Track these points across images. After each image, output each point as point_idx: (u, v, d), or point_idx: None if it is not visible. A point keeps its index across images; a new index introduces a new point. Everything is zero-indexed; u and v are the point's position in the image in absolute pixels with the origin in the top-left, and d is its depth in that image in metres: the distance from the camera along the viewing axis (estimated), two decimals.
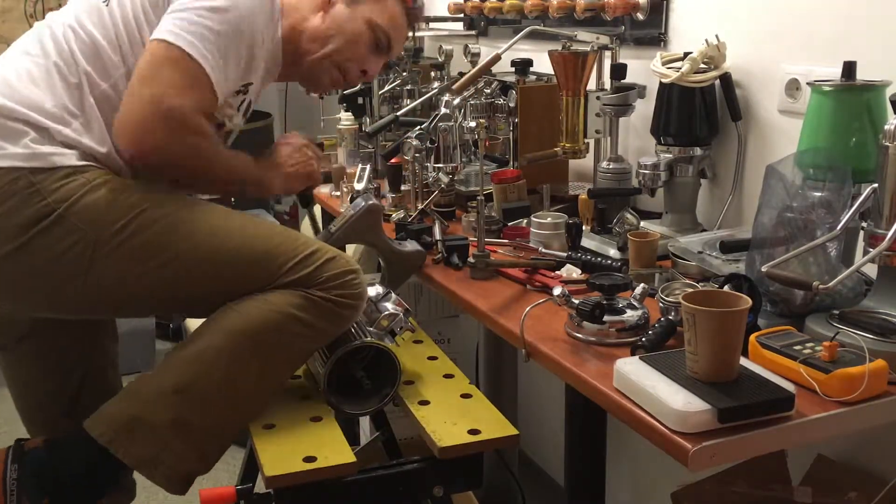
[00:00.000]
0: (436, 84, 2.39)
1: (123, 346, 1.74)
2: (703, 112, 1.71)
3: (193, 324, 2.94)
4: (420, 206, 1.91)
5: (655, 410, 1.04)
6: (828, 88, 1.35)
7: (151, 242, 1.34)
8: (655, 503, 2.09)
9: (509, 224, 1.83)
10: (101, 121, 1.40)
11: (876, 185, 1.22)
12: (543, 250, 1.66)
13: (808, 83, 1.41)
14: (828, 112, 1.35)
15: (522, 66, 2.08)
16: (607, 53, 1.90)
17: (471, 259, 1.59)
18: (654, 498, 2.09)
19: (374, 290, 1.54)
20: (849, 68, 1.34)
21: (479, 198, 1.60)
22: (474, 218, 1.67)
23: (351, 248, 2.65)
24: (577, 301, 1.28)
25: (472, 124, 1.94)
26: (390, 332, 1.49)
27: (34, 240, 1.31)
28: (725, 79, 1.69)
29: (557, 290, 1.29)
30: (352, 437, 2.38)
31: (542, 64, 2.02)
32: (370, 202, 1.59)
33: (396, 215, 1.91)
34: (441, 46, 2.41)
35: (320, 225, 1.74)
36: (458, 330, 2.53)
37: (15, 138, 1.33)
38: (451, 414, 1.40)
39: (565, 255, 1.61)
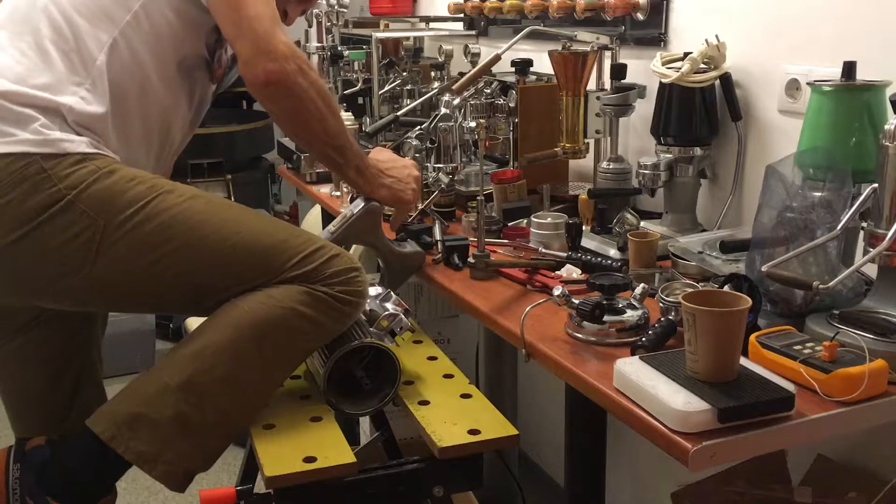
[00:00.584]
0: (436, 84, 2.39)
1: (123, 346, 1.74)
2: (703, 112, 1.71)
3: (193, 323, 2.94)
4: (420, 207, 1.91)
5: (655, 410, 1.04)
6: (828, 88, 1.35)
7: (158, 232, 1.34)
8: (655, 503, 2.09)
9: (509, 224, 1.83)
10: (107, 77, 1.39)
11: (876, 185, 1.22)
12: (543, 250, 1.66)
13: (808, 83, 1.41)
14: (828, 112, 1.35)
15: (522, 66, 2.08)
16: (607, 53, 1.90)
17: (471, 259, 1.59)
18: (654, 498, 2.09)
19: (374, 290, 1.53)
20: (849, 68, 1.34)
21: (479, 198, 1.60)
22: (474, 218, 1.67)
23: (351, 249, 2.65)
24: (577, 301, 1.28)
25: (472, 124, 1.94)
26: (390, 332, 1.49)
27: (43, 225, 1.31)
28: (725, 79, 1.69)
29: (557, 290, 1.29)
30: (352, 437, 2.38)
31: (542, 64, 2.02)
32: (370, 203, 1.59)
33: None
34: (441, 46, 2.41)
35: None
36: (458, 330, 2.53)
37: (25, 123, 1.33)
38: (451, 414, 1.40)
39: (565, 255, 1.61)
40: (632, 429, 1.08)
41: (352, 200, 1.71)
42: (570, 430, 1.35)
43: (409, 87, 2.47)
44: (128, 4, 1.41)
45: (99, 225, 1.32)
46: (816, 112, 1.37)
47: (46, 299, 1.43)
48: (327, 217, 2.48)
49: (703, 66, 1.68)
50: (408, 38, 2.63)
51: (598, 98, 1.85)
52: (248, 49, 1.38)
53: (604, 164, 1.88)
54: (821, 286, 1.14)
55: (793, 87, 1.60)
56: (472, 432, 1.34)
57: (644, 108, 1.86)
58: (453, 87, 1.89)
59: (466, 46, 2.26)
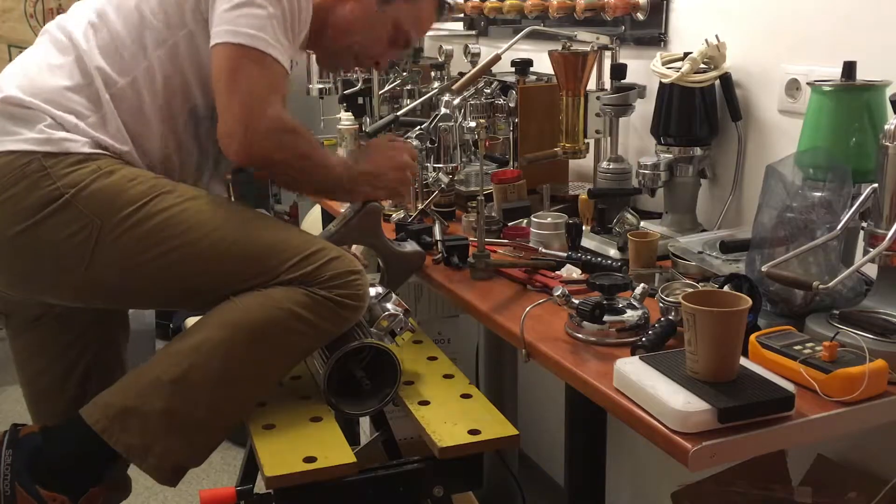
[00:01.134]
0: (436, 84, 2.39)
1: None
2: (703, 112, 1.71)
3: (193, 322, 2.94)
4: (420, 206, 1.91)
5: (655, 410, 1.04)
6: (828, 88, 1.35)
7: (155, 232, 1.35)
8: (655, 503, 2.09)
9: (509, 224, 1.83)
10: (119, 120, 1.41)
11: (876, 185, 1.22)
12: (543, 250, 1.66)
13: (808, 83, 1.41)
14: (828, 112, 1.35)
15: (522, 66, 2.08)
16: (607, 53, 1.90)
17: (471, 259, 1.59)
18: (654, 498, 2.09)
19: (374, 291, 1.53)
20: (849, 68, 1.34)
21: (479, 198, 1.60)
22: (474, 218, 1.67)
23: (351, 249, 2.65)
24: (577, 301, 1.28)
25: (472, 124, 1.94)
26: (390, 332, 1.49)
27: (41, 223, 1.32)
28: (725, 79, 1.69)
29: (557, 290, 1.29)
30: (352, 437, 2.38)
31: (542, 64, 2.02)
32: (370, 203, 1.59)
33: (396, 215, 1.91)
34: (441, 46, 2.41)
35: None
36: (458, 330, 2.53)
37: (32, 124, 1.35)
38: (451, 414, 1.40)
39: (565, 255, 1.61)
40: (632, 429, 1.08)
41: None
42: (570, 430, 1.35)
43: (408, 87, 2.47)
44: (145, 50, 1.43)
45: (96, 224, 1.33)
46: (816, 112, 1.37)
47: (48, 295, 1.44)
48: (327, 217, 2.48)
49: (703, 66, 1.68)
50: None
51: (598, 98, 1.85)
52: (227, 125, 1.37)
53: (604, 164, 1.89)
54: (821, 286, 1.14)
55: (793, 87, 1.60)
56: (472, 432, 1.34)
57: (644, 108, 1.86)
58: (453, 87, 1.89)
59: (466, 46, 2.26)
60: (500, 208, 1.88)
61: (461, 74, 2.03)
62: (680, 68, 1.66)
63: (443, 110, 1.92)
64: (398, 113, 2.22)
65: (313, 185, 1.57)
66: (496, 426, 1.36)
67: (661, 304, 1.29)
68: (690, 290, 1.19)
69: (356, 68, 1.71)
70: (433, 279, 1.62)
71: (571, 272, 1.55)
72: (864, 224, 1.26)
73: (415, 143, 1.87)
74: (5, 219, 1.33)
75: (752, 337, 1.16)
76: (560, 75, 1.80)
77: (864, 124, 1.33)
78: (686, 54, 1.71)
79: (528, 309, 1.31)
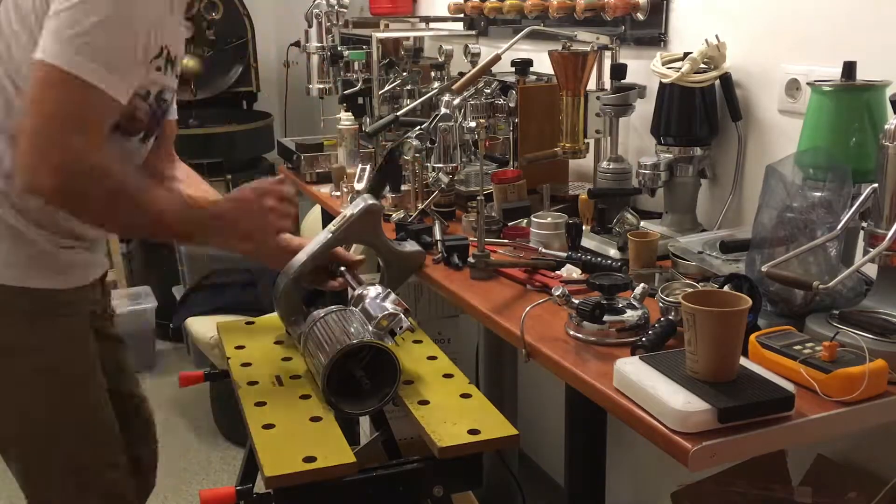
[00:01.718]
0: (436, 84, 2.39)
1: None
2: (703, 112, 1.71)
3: (194, 323, 2.95)
4: (420, 206, 1.91)
5: (655, 410, 1.04)
6: (828, 88, 1.35)
7: None
8: (655, 503, 2.09)
9: (509, 224, 1.83)
10: None
11: (876, 185, 1.22)
12: (543, 250, 1.66)
13: (808, 83, 1.41)
14: (828, 112, 1.35)
15: (522, 66, 2.08)
16: (607, 53, 1.90)
17: (471, 259, 1.59)
18: (654, 498, 2.09)
19: (374, 290, 1.53)
20: (849, 68, 1.34)
21: (479, 198, 1.60)
22: (474, 218, 1.67)
23: (351, 249, 2.65)
24: (577, 301, 1.28)
25: (472, 124, 1.94)
26: (390, 331, 1.49)
27: None
28: (725, 79, 1.69)
29: (557, 290, 1.29)
30: (352, 437, 2.38)
31: (542, 64, 2.02)
32: (369, 202, 1.59)
33: (396, 215, 1.91)
34: (441, 46, 2.41)
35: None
36: (458, 330, 2.53)
37: None
38: (451, 414, 1.39)
39: (565, 255, 1.61)
40: (632, 429, 1.08)
41: (352, 200, 1.71)
42: (570, 430, 1.35)
43: (409, 87, 2.47)
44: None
45: None
46: (816, 112, 1.37)
47: None
48: (327, 217, 2.48)
49: (703, 66, 1.68)
50: (408, 38, 2.63)
51: (598, 98, 1.85)
52: (19, 154, 1.23)
53: (604, 164, 1.88)
54: (821, 286, 1.14)
55: (793, 87, 1.60)
56: (472, 432, 1.34)
57: (644, 108, 1.86)
58: (453, 87, 1.89)
59: (466, 46, 2.26)
60: (500, 208, 1.88)
61: (461, 74, 2.03)
62: (680, 68, 1.66)
63: (443, 110, 1.92)
64: (398, 113, 2.22)
65: (130, 232, 1.50)
66: (496, 426, 1.36)
67: (661, 304, 1.29)
68: (690, 290, 1.19)
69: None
70: (433, 279, 1.62)
71: (571, 272, 1.55)
72: (864, 224, 1.26)
73: (415, 143, 1.87)
74: None
75: (752, 337, 1.16)
76: (560, 75, 1.80)
77: (864, 124, 1.33)
78: (686, 54, 1.71)
79: (528, 309, 1.31)
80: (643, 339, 1.22)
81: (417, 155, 1.89)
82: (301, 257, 1.53)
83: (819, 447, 1.54)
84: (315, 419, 1.40)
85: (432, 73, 2.51)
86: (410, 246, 1.67)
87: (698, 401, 1.01)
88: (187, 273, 3.48)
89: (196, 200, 1.47)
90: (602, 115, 1.86)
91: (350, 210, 1.59)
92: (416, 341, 1.68)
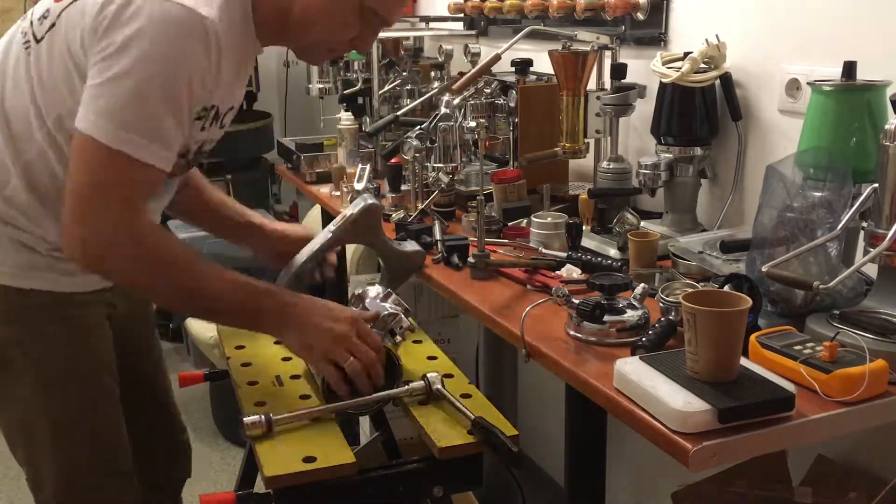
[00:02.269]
0: (436, 84, 2.39)
1: None
2: (703, 112, 1.71)
3: (193, 323, 2.95)
4: (420, 206, 1.91)
5: (655, 410, 1.04)
6: (828, 88, 1.35)
7: None
8: (655, 503, 2.09)
9: (509, 224, 1.83)
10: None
11: (876, 185, 1.22)
12: (543, 250, 1.65)
13: (808, 83, 1.41)
14: (828, 112, 1.35)
15: (522, 66, 2.08)
16: (607, 53, 1.90)
17: (471, 259, 1.59)
18: (654, 498, 2.09)
19: (374, 290, 1.53)
20: (849, 68, 1.34)
21: (479, 198, 1.60)
22: (474, 218, 1.67)
23: (351, 249, 2.65)
24: (577, 301, 1.28)
25: (472, 124, 1.94)
26: (390, 331, 1.49)
27: None
28: (725, 79, 1.69)
29: (557, 291, 1.29)
30: (352, 437, 2.38)
31: (542, 64, 2.02)
32: (369, 202, 1.58)
33: (396, 215, 1.91)
34: (441, 46, 2.41)
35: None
36: (458, 330, 2.53)
37: None
38: (451, 414, 1.39)
39: (565, 255, 1.61)
40: (632, 429, 1.08)
41: (352, 200, 1.71)
42: (570, 430, 1.35)
43: (409, 87, 2.47)
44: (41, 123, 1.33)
45: None
46: (817, 112, 1.36)
47: None
48: (327, 217, 2.48)
49: (703, 65, 1.68)
50: (408, 38, 2.63)
51: (598, 98, 1.85)
52: (61, 224, 1.26)
53: (604, 164, 1.88)
54: (821, 286, 1.14)
55: (793, 86, 1.59)
56: (472, 432, 1.34)
57: (644, 108, 1.86)
58: (453, 87, 1.89)
59: (466, 46, 2.26)
60: (500, 208, 1.88)
61: (461, 74, 2.03)
62: (680, 68, 1.66)
63: (443, 110, 1.92)
64: (398, 113, 2.22)
65: (182, 307, 1.49)
66: (496, 426, 1.36)
67: (661, 304, 1.29)
68: (690, 290, 1.19)
69: (339, 56, 1.56)
70: (433, 279, 1.62)
71: (571, 272, 1.54)
72: (865, 224, 1.26)
73: (415, 143, 1.87)
74: None
75: (753, 337, 1.16)
76: (560, 75, 1.80)
77: (865, 124, 1.33)
78: (686, 54, 1.70)
79: (528, 309, 1.31)
80: (643, 339, 1.22)
81: (417, 155, 1.89)
82: (302, 257, 1.53)
83: (819, 447, 1.54)
84: (315, 419, 1.39)
85: (432, 73, 2.52)
86: (410, 245, 1.67)
87: (698, 401, 1.01)
88: None
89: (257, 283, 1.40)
90: (602, 115, 1.86)
91: (350, 209, 1.59)
92: (416, 341, 1.68)
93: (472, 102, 2.02)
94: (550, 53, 1.80)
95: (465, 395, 1.46)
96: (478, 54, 2.24)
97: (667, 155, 1.73)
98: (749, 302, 1.06)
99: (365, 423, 2.40)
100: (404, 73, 2.51)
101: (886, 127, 1.19)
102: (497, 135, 2.07)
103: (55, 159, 1.33)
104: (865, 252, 1.22)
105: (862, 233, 1.27)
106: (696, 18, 1.83)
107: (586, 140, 1.85)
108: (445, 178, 1.90)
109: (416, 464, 1.35)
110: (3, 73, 1.35)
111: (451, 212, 1.97)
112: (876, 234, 1.21)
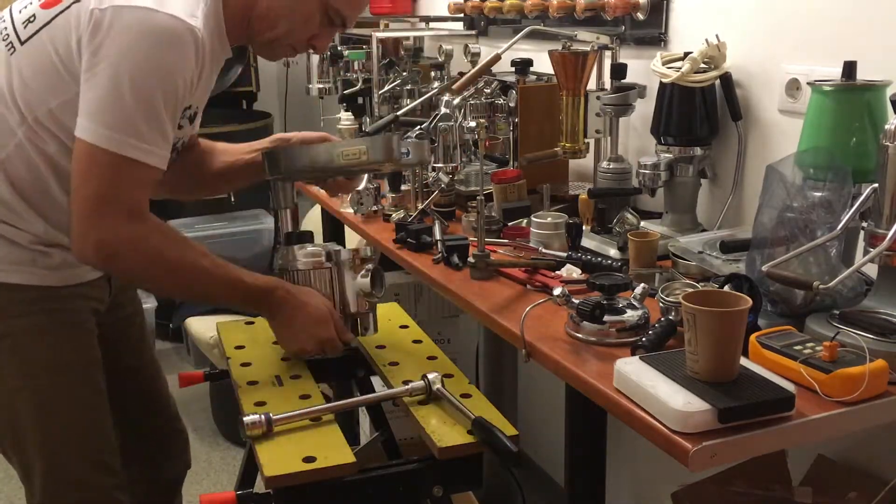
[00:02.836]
0: (436, 84, 2.39)
1: None
2: (703, 112, 1.71)
3: (193, 323, 2.95)
4: (420, 206, 1.91)
5: (655, 410, 1.04)
6: (828, 88, 1.35)
7: None
8: (655, 503, 2.09)
9: (509, 224, 1.83)
10: None
11: (876, 185, 1.22)
12: (543, 250, 1.65)
13: (808, 83, 1.41)
14: (828, 112, 1.35)
15: (522, 66, 2.08)
16: (607, 53, 1.90)
17: (471, 259, 1.59)
18: (654, 498, 2.09)
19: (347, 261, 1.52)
20: (849, 68, 1.34)
21: (479, 198, 1.60)
22: (474, 218, 1.67)
23: (354, 242, 2.65)
24: (577, 301, 1.28)
25: (472, 124, 1.94)
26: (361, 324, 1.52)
27: None
28: (725, 79, 1.69)
29: (557, 290, 1.29)
30: (352, 437, 2.38)
31: (542, 64, 2.02)
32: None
33: (396, 215, 1.91)
34: (441, 46, 2.41)
35: None
36: (458, 330, 2.53)
37: None
38: (451, 414, 1.39)
39: (565, 255, 1.61)
40: (632, 429, 1.08)
41: (351, 200, 1.69)
42: (570, 429, 1.35)
43: (409, 87, 2.47)
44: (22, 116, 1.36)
45: None
46: (817, 112, 1.37)
47: None
48: (327, 217, 2.48)
49: (703, 65, 1.68)
50: (408, 38, 2.63)
51: (598, 98, 1.85)
52: (70, 227, 1.32)
53: (604, 164, 1.88)
54: (821, 286, 1.14)
55: (793, 86, 1.60)
56: (472, 432, 1.34)
57: (644, 108, 1.86)
58: (453, 87, 1.89)
59: (466, 46, 2.26)
60: (500, 208, 1.88)
61: (461, 74, 2.03)
62: (680, 68, 1.66)
63: (443, 110, 1.92)
64: (398, 113, 2.22)
65: (180, 294, 1.58)
66: (496, 426, 1.36)
67: (661, 304, 1.29)
68: (690, 290, 1.19)
69: (298, 54, 1.60)
70: (433, 279, 1.62)
71: (571, 272, 1.55)
72: (865, 224, 1.26)
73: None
74: None
75: (753, 337, 1.16)
76: (560, 75, 1.80)
77: (865, 124, 1.33)
78: (686, 54, 1.70)
79: (528, 309, 1.31)
80: (643, 339, 1.22)
81: None
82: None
83: (819, 447, 1.54)
84: (315, 419, 1.40)
85: (432, 73, 2.52)
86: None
87: (698, 401, 1.01)
88: None
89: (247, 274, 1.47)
90: (602, 115, 1.86)
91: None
92: (416, 341, 1.68)
93: (472, 102, 2.02)
94: (550, 53, 1.80)
95: (465, 395, 1.46)
96: (478, 54, 2.24)
97: (667, 155, 1.73)
98: (749, 302, 1.06)
99: (365, 422, 2.40)
100: (404, 73, 2.50)
101: (886, 127, 1.19)
102: (497, 135, 2.07)
103: (35, 152, 1.36)
104: (865, 252, 1.22)
105: (862, 233, 1.27)
106: (696, 18, 1.83)
107: (586, 140, 1.85)
108: (445, 178, 1.90)
109: (416, 464, 1.36)
110: None
111: (451, 212, 1.97)
112: (876, 234, 1.21)
